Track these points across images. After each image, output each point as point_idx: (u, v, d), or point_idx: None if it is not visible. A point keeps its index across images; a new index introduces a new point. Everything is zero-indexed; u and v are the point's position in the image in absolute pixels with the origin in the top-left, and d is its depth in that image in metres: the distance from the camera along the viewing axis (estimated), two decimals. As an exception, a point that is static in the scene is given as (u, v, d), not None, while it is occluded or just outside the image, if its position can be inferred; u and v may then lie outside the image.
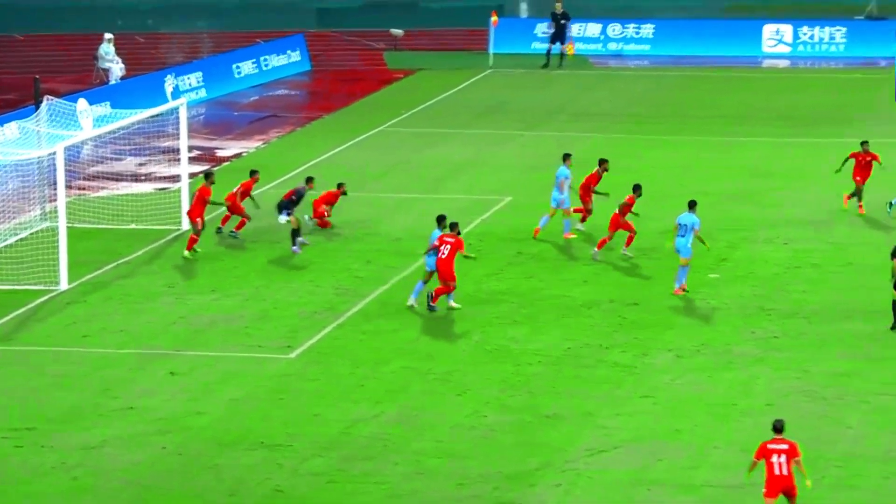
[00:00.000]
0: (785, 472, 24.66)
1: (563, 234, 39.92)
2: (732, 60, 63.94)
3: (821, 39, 64.67)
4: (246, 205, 40.49)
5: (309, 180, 40.54)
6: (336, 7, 76.92)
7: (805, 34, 64.76)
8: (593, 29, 66.22)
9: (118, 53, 59.95)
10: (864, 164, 41.95)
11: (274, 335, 34.37)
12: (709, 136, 51.28)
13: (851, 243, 39.86)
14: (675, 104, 56.69)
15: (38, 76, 52.62)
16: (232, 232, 40.60)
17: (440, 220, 35.46)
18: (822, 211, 42.27)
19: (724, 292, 36.61)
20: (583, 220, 40.51)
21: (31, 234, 40.45)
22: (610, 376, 31.94)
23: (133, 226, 41.87)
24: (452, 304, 35.47)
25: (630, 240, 38.54)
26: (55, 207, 38.54)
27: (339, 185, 41.30)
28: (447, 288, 35.28)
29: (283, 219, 39.46)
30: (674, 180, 45.44)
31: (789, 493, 24.75)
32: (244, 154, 50.66)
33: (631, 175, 41.43)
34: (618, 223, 38.27)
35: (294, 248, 39.46)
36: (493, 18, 64.19)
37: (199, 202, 39.51)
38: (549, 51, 62.90)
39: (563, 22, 62.39)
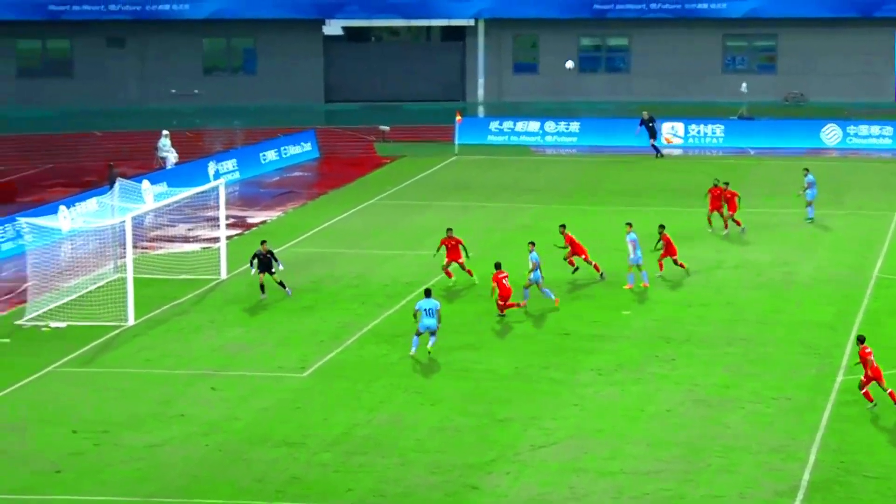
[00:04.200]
0: (875, 365, 29.69)
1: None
2: (633, 150, 63.52)
3: (706, 133, 64.79)
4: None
5: (262, 242, 39.26)
6: (339, 109, 76.99)
7: (694, 130, 64.87)
8: (533, 125, 66.24)
9: (173, 145, 59.81)
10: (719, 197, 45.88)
11: (291, 358, 34.18)
12: (615, 206, 51.12)
13: (730, 287, 39.76)
14: (593, 182, 56.65)
15: (112, 163, 52.57)
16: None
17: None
18: (705, 261, 42.22)
19: (634, 325, 36.54)
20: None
21: (107, 283, 40.19)
22: (548, 389, 31.81)
23: (184, 276, 41.68)
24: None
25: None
26: (125, 263, 38.33)
27: None
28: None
29: (280, 267, 39.04)
30: (592, 238, 45.16)
31: (878, 379, 29.73)
32: (268, 221, 50.51)
33: (555, 235, 41.17)
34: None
35: (287, 290, 39.06)
36: (458, 117, 64.21)
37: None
38: (652, 145, 61.28)
39: (651, 124, 61.50)
